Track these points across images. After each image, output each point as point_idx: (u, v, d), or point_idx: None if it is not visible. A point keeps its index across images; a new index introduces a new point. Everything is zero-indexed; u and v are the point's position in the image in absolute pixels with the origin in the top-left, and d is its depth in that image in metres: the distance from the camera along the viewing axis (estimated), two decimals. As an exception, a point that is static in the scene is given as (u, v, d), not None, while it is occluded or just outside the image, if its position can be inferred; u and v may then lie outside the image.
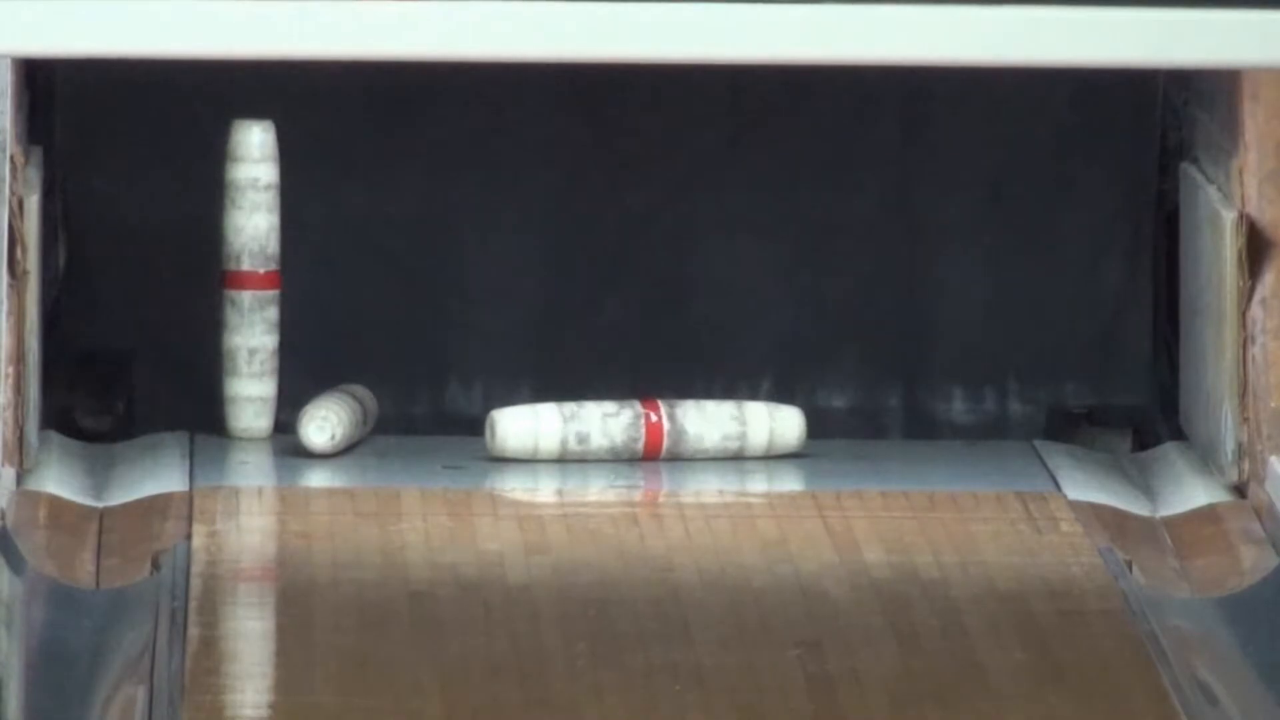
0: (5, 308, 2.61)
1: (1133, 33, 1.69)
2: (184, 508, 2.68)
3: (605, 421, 3.05)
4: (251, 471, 3.00)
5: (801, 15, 1.67)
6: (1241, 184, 2.81)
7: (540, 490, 3.00)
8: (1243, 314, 2.75)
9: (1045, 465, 3.05)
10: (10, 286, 2.64)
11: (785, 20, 1.68)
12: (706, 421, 3.10)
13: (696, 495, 3.03)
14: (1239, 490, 2.79)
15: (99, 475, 2.92)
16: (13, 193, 2.65)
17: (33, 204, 2.75)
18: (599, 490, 3.03)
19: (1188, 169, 3.15)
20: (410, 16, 1.67)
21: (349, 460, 3.05)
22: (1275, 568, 2.44)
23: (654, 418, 3.07)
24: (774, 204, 3.41)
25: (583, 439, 3.05)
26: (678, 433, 3.08)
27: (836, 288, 3.43)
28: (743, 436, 3.10)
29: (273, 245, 3.14)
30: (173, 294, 3.29)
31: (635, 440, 3.07)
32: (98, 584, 2.40)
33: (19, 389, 2.66)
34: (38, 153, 3.01)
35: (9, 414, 2.61)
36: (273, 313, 3.15)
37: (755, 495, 3.06)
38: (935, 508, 2.83)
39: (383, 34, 1.69)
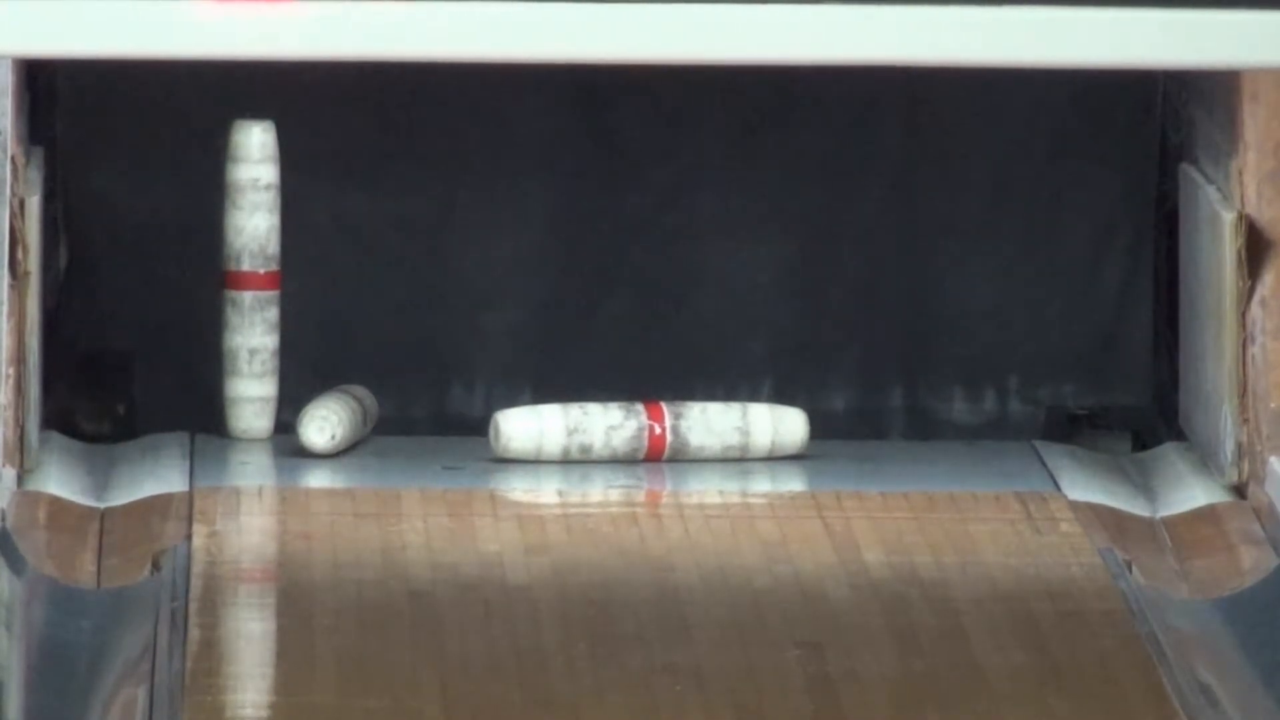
0: (6, 308, 2.61)
1: (1132, 33, 1.69)
2: (184, 508, 2.68)
3: (609, 434, 3.05)
4: (251, 471, 3.00)
5: (801, 16, 1.67)
6: (1241, 184, 2.81)
7: (540, 490, 3.00)
8: (1242, 314, 2.75)
9: (1045, 465, 3.05)
10: (11, 287, 2.64)
11: (785, 21, 1.68)
12: (710, 431, 3.09)
13: (697, 496, 3.03)
14: (1239, 491, 2.79)
15: (99, 475, 2.92)
16: (14, 193, 2.65)
17: (33, 204, 2.75)
18: (599, 491, 3.03)
19: (1188, 169, 3.15)
20: (411, 17, 1.67)
21: (349, 460, 3.05)
22: (1275, 568, 2.45)
23: (658, 430, 3.06)
24: (774, 204, 3.41)
25: (585, 450, 3.05)
26: (680, 444, 3.08)
27: (836, 288, 3.43)
28: (746, 441, 3.10)
29: (273, 245, 3.14)
30: (173, 294, 3.29)
31: (638, 450, 3.07)
32: (98, 584, 2.40)
33: (20, 389, 2.66)
34: (38, 153, 3.01)
35: (9, 414, 2.61)
36: (273, 313, 3.15)
37: (755, 496, 3.06)
38: (935, 508, 2.83)
39: (384, 35, 1.69)
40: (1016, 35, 1.70)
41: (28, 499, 2.63)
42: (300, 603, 2.34)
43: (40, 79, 3.13)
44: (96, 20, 1.66)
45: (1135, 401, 3.40)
